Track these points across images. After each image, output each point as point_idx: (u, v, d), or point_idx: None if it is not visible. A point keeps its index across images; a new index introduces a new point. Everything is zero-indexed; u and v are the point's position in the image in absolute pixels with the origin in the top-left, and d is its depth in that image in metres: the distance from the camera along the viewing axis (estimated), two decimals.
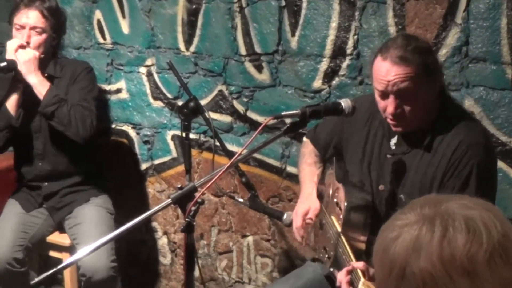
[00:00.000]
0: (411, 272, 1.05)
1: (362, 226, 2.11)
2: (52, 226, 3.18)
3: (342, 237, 2.08)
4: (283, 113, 1.98)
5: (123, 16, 3.40)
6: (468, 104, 2.48)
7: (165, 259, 3.64)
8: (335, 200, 2.22)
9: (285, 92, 2.97)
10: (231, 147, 3.12)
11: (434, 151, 2.06)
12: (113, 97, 3.56)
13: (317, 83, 2.87)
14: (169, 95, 3.36)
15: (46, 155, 3.12)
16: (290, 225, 2.36)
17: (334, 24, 2.76)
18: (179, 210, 3.28)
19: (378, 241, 1.13)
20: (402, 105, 2.03)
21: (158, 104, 3.42)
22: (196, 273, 2.01)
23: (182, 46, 3.23)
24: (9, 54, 2.89)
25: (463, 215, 1.06)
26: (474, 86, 2.48)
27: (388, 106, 2.04)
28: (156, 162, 3.52)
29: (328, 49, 2.80)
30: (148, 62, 3.39)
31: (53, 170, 3.12)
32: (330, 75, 2.82)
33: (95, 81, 3.21)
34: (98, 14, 3.49)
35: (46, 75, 2.99)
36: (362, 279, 1.88)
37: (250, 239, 3.29)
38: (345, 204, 2.12)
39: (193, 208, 1.84)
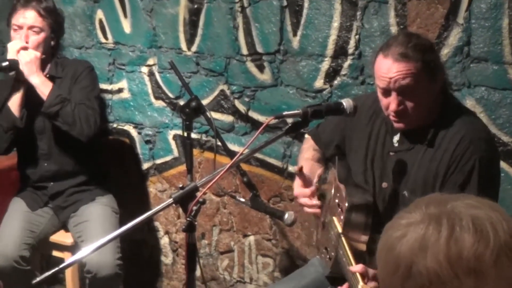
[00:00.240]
0: (417, 271, 1.05)
1: (363, 227, 2.11)
2: (55, 226, 3.18)
3: (343, 238, 2.08)
4: (284, 113, 1.98)
5: (125, 16, 3.40)
6: (470, 104, 2.48)
7: (167, 258, 3.65)
8: (336, 200, 2.22)
9: (286, 92, 2.97)
10: (232, 146, 3.12)
11: (437, 146, 2.07)
12: (114, 97, 3.56)
13: (319, 83, 2.87)
14: (170, 95, 3.37)
15: (51, 155, 3.13)
16: (291, 224, 2.36)
17: (335, 24, 2.76)
18: (180, 210, 3.28)
19: (383, 240, 1.13)
20: (404, 102, 2.04)
21: (159, 103, 3.42)
22: (198, 272, 2.02)
23: (183, 45, 3.24)
24: (11, 55, 2.90)
25: (470, 214, 1.06)
26: (476, 86, 2.48)
27: (390, 103, 2.05)
28: (158, 161, 3.52)
29: (330, 49, 2.80)
30: (150, 61, 3.39)
31: (59, 170, 3.13)
32: (331, 75, 2.82)
33: (97, 80, 3.22)
34: (100, 14, 3.49)
35: (47, 76, 3.00)
36: (361, 282, 1.88)
37: (251, 238, 3.29)
38: (346, 204, 2.12)
39: (194, 208, 1.85)
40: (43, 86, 2.91)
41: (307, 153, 2.51)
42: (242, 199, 2.53)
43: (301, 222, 3.04)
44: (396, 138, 2.19)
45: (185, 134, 2.64)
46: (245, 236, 3.31)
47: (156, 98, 3.42)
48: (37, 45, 2.97)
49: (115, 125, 3.61)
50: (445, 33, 2.49)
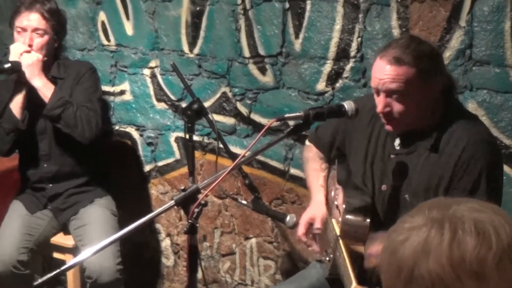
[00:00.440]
0: (420, 274, 1.05)
1: (361, 229, 2.11)
2: (55, 228, 3.18)
3: (340, 241, 2.08)
4: (286, 115, 1.98)
5: (127, 18, 3.40)
6: (472, 107, 2.48)
7: (168, 260, 3.65)
8: (335, 202, 2.22)
9: (288, 94, 2.97)
10: (234, 149, 3.12)
11: (441, 151, 2.07)
12: (116, 99, 3.57)
13: (321, 86, 2.87)
14: (172, 97, 3.37)
15: (51, 156, 3.13)
16: (293, 227, 2.36)
17: (338, 27, 2.76)
18: (182, 212, 3.29)
19: (385, 244, 1.13)
20: (392, 105, 2.05)
21: (161, 106, 3.42)
22: (199, 275, 2.01)
23: (186, 48, 3.24)
24: (13, 57, 2.90)
25: (472, 218, 1.06)
26: (478, 89, 2.48)
27: (378, 103, 2.06)
28: (160, 164, 3.52)
29: (332, 52, 2.80)
30: (152, 64, 3.39)
31: (58, 171, 3.13)
32: (333, 77, 2.82)
33: (99, 82, 3.22)
34: (102, 16, 3.50)
35: (50, 77, 3.01)
36: (354, 284, 1.89)
37: (253, 241, 3.29)
38: (344, 206, 2.12)
39: (196, 210, 1.85)
40: (45, 89, 2.92)
41: (314, 164, 2.51)
42: (244, 202, 2.53)
43: None
44: (397, 141, 2.19)
45: (187, 136, 2.64)
46: (247, 238, 3.31)
47: (158, 100, 3.43)
48: (41, 47, 2.98)
49: (117, 127, 3.61)
50: (447, 36, 2.49)
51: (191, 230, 1.87)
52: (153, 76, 3.41)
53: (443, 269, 1.04)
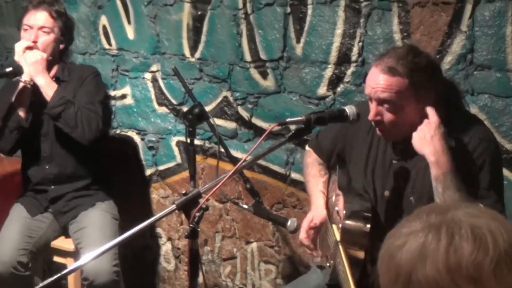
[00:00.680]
0: (417, 279, 1.05)
1: (361, 235, 2.11)
2: (57, 231, 3.19)
3: (340, 247, 2.08)
4: (287, 120, 1.99)
5: (129, 22, 3.41)
6: (473, 111, 2.47)
7: (169, 265, 3.64)
8: (336, 208, 2.22)
9: (289, 98, 2.97)
10: (235, 153, 3.12)
11: None
12: (118, 103, 3.57)
13: (322, 90, 2.87)
14: (174, 101, 3.37)
15: (53, 158, 3.14)
16: (294, 231, 2.36)
17: (339, 31, 2.76)
18: (183, 216, 3.29)
19: (384, 248, 1.14)
20: (382, 113, 2.06)
21: (163, 110, 3.42)
22: (200, 279, 2.01)
23: (187, 52, 3.24)
24: (17, 55, 2.93)
25: (469, 223, 1.06)
26: (479, 94, 2.48)
27: (371, 110, 2.08)
28: (161, 168, 3.52)
29: (333, 56, 2.80)
30: (153, 68, 3.39)
31: (60, 173, 3.14)
32: (335, 82, 2.82)
33: (102, 85, 3.24)
34: (103, 20, 3.50)
35: (54, 77, 3.03)
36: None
37: (254, 245, 3.29)
38: (344, 212, 2.12)
39: (197, 214, 1.84)
40: (48, 87, 2.93)
41: (313, 169, 2.52)
42: (245, 206, 2.53)
43: None
44: (399, 146, 2.19)
45: (188, 141, 2.64)
46: (248, 242, 3.31)
47: (160, 104, 3.43)
48: (46, 45, 3.01)
49: (118, 131, 3.61)
50: (448, 41, 2.49)
51: (192, 234, 1.87)
52: (154, 80, 3.42)
53: (439, 274, 1.04)
